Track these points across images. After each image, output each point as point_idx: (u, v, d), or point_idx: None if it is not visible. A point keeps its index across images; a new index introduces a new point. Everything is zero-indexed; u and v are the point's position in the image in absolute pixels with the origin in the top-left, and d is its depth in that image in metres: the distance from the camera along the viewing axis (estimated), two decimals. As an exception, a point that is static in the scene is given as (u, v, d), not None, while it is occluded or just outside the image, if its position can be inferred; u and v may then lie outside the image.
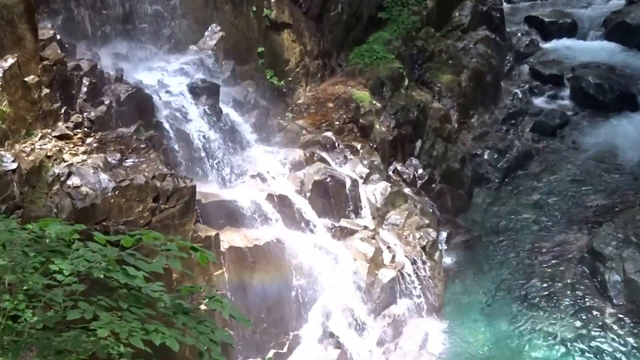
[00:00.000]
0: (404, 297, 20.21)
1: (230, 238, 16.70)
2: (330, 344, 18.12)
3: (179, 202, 15.04)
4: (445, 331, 20.55)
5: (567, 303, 21.34)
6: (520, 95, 29.99)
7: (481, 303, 21.75)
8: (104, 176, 14.02)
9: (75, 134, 14.75)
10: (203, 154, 17.57)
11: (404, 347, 19.57)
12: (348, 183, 20.47)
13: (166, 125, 16.92)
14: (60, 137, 14.49)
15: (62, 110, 14.85)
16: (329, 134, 21.69)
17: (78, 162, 14.06)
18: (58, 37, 15.13)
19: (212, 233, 15.86)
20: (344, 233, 19.88)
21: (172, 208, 14.95)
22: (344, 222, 20.14)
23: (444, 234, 23.81)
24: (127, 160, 14.99)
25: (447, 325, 20.80)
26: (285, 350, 17.60)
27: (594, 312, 20.85)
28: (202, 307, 13.44)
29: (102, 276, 6.32)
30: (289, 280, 17.87)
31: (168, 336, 6.15)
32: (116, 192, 13.94)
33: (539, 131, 28.93)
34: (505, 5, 33.09)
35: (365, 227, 20.46)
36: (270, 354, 16.94)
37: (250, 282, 16.76)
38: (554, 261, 23.07)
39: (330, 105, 22.83)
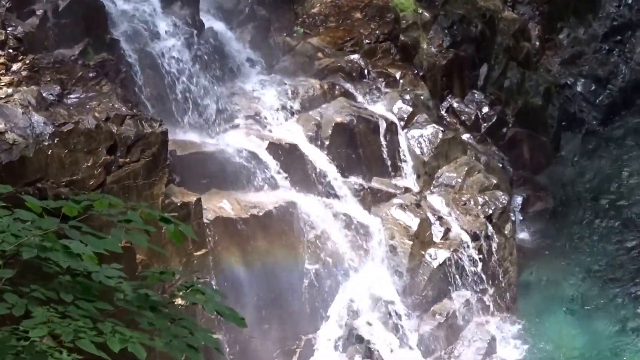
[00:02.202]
0: (462, 287, 20.30)
1: (217, 205, 16.77)
2: (358, 351, 18.27)
3: (144, 154, 15.07)
4: (519, 335, 20.68)
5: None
6: (629, 1, 29.68)
7: (568, 295, 21.84)
8: (37, 118, 14.05)
9: (-5, 59, 14.78)
10: (177, 87, 17.57)
11: (462, 356, 19.72)
12: (383, 127, 20.45)
13: (125, 46, 16.90)
14: (-26, 64, 14.54)
15: (-25, 25, 14.88)
16: (355, 57, 21.61)
17: (1, 99, 14.09)
18: None
19: (192, 198, 15.91)
20: (378, 198, 19.93)
21: (134, 163, 14.99)
22: (377, 183, 20.18)
23: (518, 199, 23.83)
24: (69, 96, 15.01)
25: (520, 326, 20.92)
26: (294, 360, 17.82)
27: None
28: (178, 301, 13.61)
29: (36, 257, 6.31)
30: (299, 263, 17.97)
31: (130, 340, 6.17)
32: (55, 141, 13.97)
33: (656, 52, 28.73)
34: None
35: (407, 190, 20.49)
36: (274, 365, 17.18)
37: (246, 267, 16.86)
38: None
39: (358, 15, 22.72)
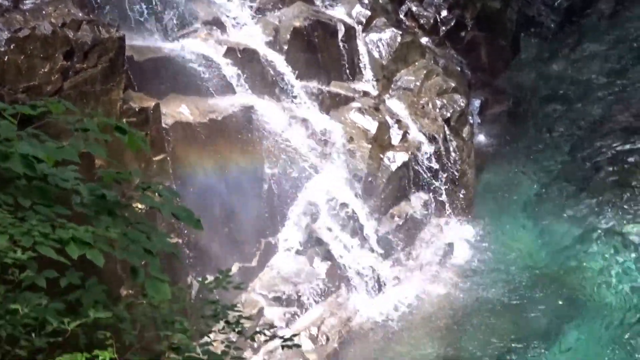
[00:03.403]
0: (420, 190, 20.54)
1: (176, 110, 16.74)
2: (317, 254, 18.52)
3: (101, 60, 14.97)
4: (476, 236, 21.02)
5: (643, 193, 21.82)
6: None
7: (526, 195, 22.16)
8: (-7, 24, 13.92)
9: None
10: (134, -10, 17.38)
11: (420, 258, 20.03)
12: (341, 31, 20.40)
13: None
14: None
15: None
16: (313, -40, 21.44)
17: (-45, 5, 13.94)
18: None
19: (150, 103, 15.84)
20: (336, 102, 19.99)
21: (91, 68, 14.88)
22: (335, 87, 20.21)
23: (476, 103, 23.97)
24: (25, 1, 14.80)
25: (478, 227, 21.27)
26: (254, 263, 17.98)
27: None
28: (138, 205, 13.72)
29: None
30: (259, 168, 18.05)
31: (89, 247, 6.18)
32: (11, 47, 13.85)
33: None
34: None
35: (366, 94, 20.56)
36: (234, 268, 17.30)
37: (205, 171, 16.91)
38: (629, 136, 23.35)
39: None
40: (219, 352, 8.20)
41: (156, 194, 7.09)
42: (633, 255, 20.30)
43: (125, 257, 6.49)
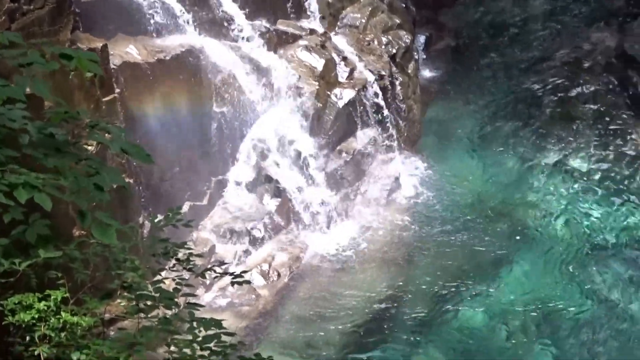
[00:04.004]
0: (367, 126, 20.54)
1: (123, 50, 16.55)
2: (267, 191, 18.54)
3: (48, 1, 14.71)
4: (423, 169, 21.12)
5: (587, 125, 21.99)
6: None
7: (471, 131, 22.27)
8: None
9: None
10: None
11: (368, 193, 20.11)
12: (287, -31, 20.22)
13: None
14: None
15: None
16: None
17: None
18: None
19: (98, 44, 15.63)
20: (283, 40, 19.85)
21: (38, 10, 14.63)
22: (282, 25, 20.06)
23: (421, 39, 23.95)
24: (-33, -59, 14.50)
25: (424, 161, 21.37)
26: (205, 202, 17.97)
27: (623, 137, 21.57)
28: (88, 147, 13.57)
29: None
30: (207, 107, 17.95)
31: (37, 191, 6.05)
32: (-45, -11, 13.60)
33: None
34: None
35: (312, 32, 20.42)
36: (185, 207, 17.27)
37: (154, 111, 16.79)
38: (570, 71, 23.52)
39: None
40: (171, 289, 8.17)
41: (105, 132, 6.96)
42: (576, 186, 20.54)
43: (73, 201, 6.38)
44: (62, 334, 7.21)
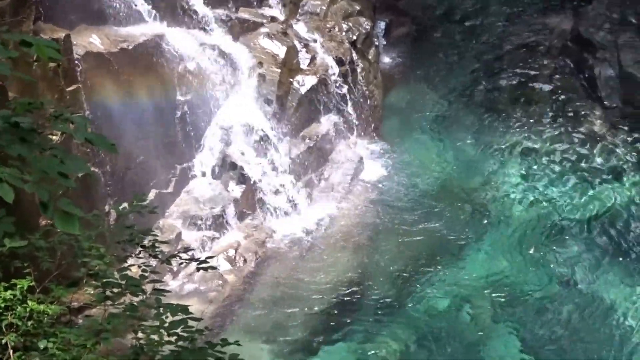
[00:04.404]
0: (329, 111, 20.55)
1: (86, 40, 16.42)
2: (232, 178, 18.49)
3: (9, -9, 14.60)
4: (384, 153, 21.17)
5: (544, 108, 22.15)
6: None
7: (432, 115, 22.35)
8: None
9: None
10: None
11: (332, 178, 20.12)
12: (246, -44, 20.15)
13: None
14: None
15: None
16: None
17: None
18: None
19: (61, 34, 15.50)
20: (245, 28, 19.78)
21: (1, 1, 14.52)
22: (243, 13, 20.00)
23: (381, 25, 23.94)
24: None
25: (386, 145, 21.41)
26: (170, 189, 17.89)
27: (579, 118, 21.75)
28: (53, 137, 13.46)
29: None
30: (171, 95, 17.86)
31: None
32: None
33: None
34: None
35: (274, 19, 20.38)
36: (151, 194, 17.20)
37: (118, 100, 16.69)
38: (527, 54, 23.63)
39: None
40: (137, 277, 8.13)
41: (69, 122, 6.89)
42: (535, 167, 20.68)
43: (35, 192, 6.29)
44: (29, 323, 7.16)
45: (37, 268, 7.80)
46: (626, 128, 21.40)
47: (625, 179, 20.20)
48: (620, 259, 18.13)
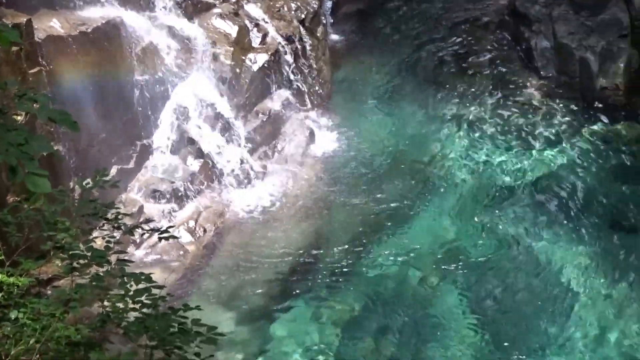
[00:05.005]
0: (281, 87, 20.58)
1: (46, 24, 16.29)
2: (190, 153, 18.50)
3: (-31, -22, 14.46)
4: (334, 126, 21.23)
5: (485, 79, 22.33)
6: None
7: (379, 89, 22.43)
8: None
9: None
10: None
11: (285, 151, 20.18)
12: (197, -60, 20.04)
13: None
14: None
15: None
16: None
17: None
18: None
19: (22, 19, 15.39)
20: (198, 9, 19.70)
21: (-40, -13, 14.39)
22: (197, -5, 19.94)
23: (328, 4, 23.96)
24: None
25: (336, 118, 21.48)
26: (131, 165, 17.85)
27: (518, 88, 22.00)
28: (17, 118, 13.39)
29: None
30: (129, 75, 17.78)
31: None
32: None
33: None
34: None
35: (225, 0, 20.31)
36: (113, 170, 17.16)
37: (79, 82, 16.59)
38: (467, 29, 23.78)
39: None
40: (102, 248, 8.17)
41: (32, 102, 6.89)
42: (477, 135, 20.87)
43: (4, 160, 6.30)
44: (0, 295, 7.19)
45: (5, 243, 7.82)
46: (561, 96, 21.66)
47: (563, 143, 20.43)
48: (563, 220, 18.33)
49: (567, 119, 21.14)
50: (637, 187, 19.09)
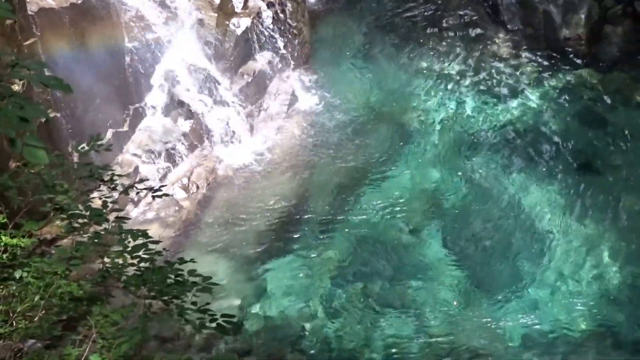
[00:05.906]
0: (263, 49, 20.39)
1: (38, -3, 16.09)
2: (181, 114, 18.35)
3: (-40, -46, 14.18)
4: (315, 84, 21.10)
5: (455, 35, 22.20)
6: None
7: (355, 47, 22.28)
8: None
9: None
10: None
11: (270, 109, 20.06)
12: None
13: None
14: None
15: None
16: None
17: None
18: None
19: (14, -7, 15.20)
20: (183, -23, 19.48)
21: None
22: (180, -36, 19.66)
23: (306, -33, 23.64)
24: None
25: (317, 76, 21.34)
26: (125, 127, 17.72)
27: (487, 41, 21.87)
28: (14, 87, 13.20)
29: None
30: (120, 43, 17.58)
31: None
32: None
33: None
34: None
35: (208, -33, 20.10)
36: (109, 133, 17.03)
37: (72, 51, 16.39)
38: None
39: None
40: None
41: (27, 69, 6.75)
42: (449, 87, 20.82)
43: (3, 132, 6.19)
44: (4, 256, 7.11)
45: (8, 206, 7.71)
46: (527, 47, 21.59)
47: (531, 91, 20.43)
48: (532, 164, 18.40)
49: (533, 68, 21.08)
50: (600, 130, 19.12)
